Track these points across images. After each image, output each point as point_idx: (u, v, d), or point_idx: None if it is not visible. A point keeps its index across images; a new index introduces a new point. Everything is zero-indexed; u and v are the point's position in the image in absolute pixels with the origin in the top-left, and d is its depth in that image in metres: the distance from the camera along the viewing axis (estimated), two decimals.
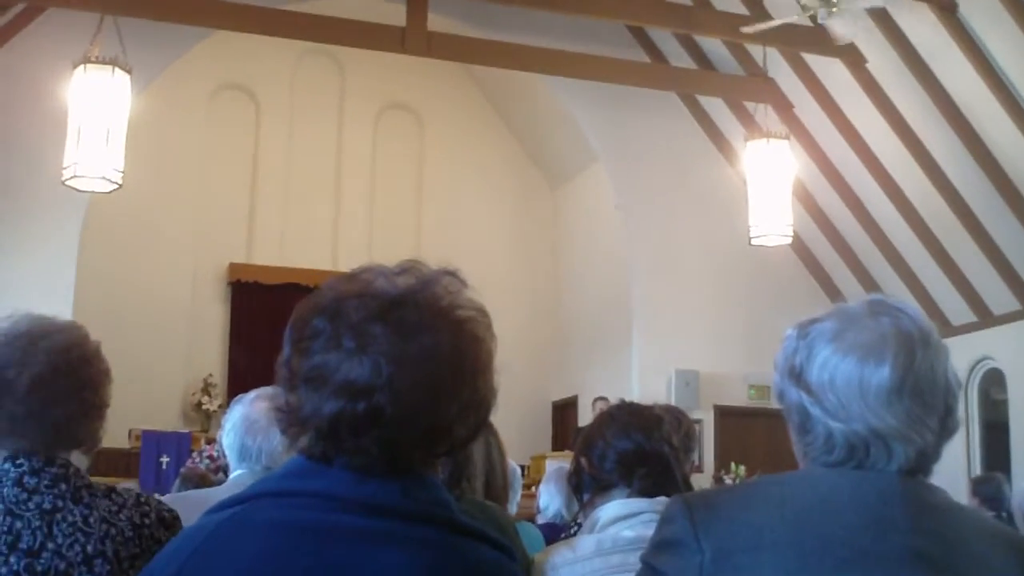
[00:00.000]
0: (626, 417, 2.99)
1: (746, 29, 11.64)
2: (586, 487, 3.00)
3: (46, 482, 2.22)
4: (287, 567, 1.48)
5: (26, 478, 2.21)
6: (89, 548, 2.18)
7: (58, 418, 2.29)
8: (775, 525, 1.72)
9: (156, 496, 2.45)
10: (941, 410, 1.78)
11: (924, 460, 1.78)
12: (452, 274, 1.65)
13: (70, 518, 2.20)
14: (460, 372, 1.58)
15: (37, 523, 2.17)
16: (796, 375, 1.82)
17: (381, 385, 1.52)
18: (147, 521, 2.29)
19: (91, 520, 2.21)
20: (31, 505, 2.19)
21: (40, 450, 2.25)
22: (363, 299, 1.57)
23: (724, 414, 15.07)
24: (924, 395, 1.75)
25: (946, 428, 1.80)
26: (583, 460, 3.00)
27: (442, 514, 1.58)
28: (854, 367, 1.75)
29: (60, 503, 2.21)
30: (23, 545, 2.15)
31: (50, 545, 2.16)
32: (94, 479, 2.34)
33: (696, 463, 10.37)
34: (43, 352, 2.32)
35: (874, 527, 1.71)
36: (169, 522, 2.34)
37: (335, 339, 1.55)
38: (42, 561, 2.14)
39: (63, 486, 2.23)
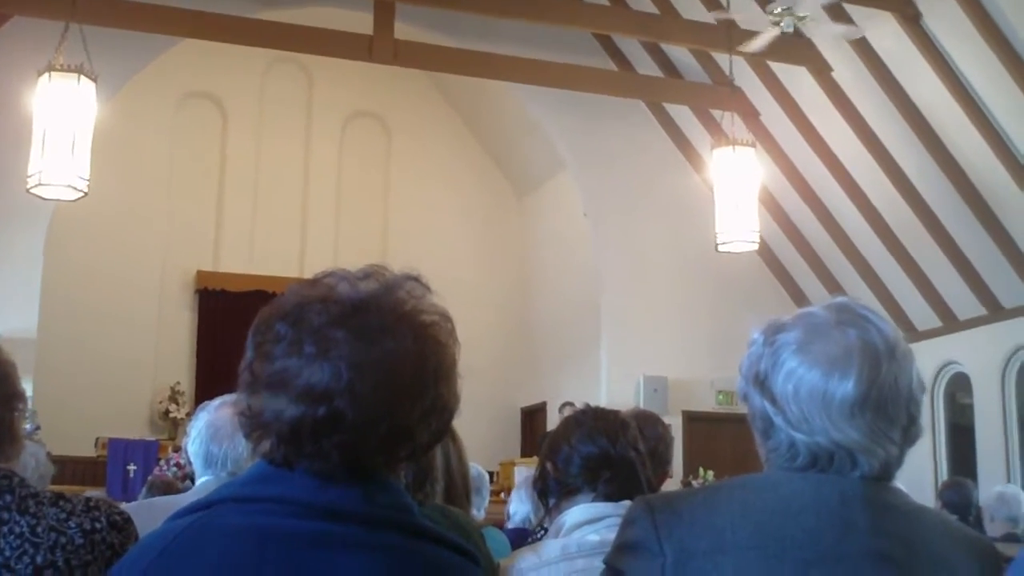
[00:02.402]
0: (591, 422, 2.98)
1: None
2: (552, 492, 2.99)
3: None
4: (249, 572, 1.48)
5: None
6: (39, 559, 2.12)
7: None
8: (737, 527, 1.73)
9: (110, 500, 2.39)
10: (904, 420, 1.79)
11: (887, 469, 1.79)
12: (415, 279, 1.64)
13: (17, 529, 2.13)
14: (422, 377, 1.58)
15: None
16: (760, 382, 1.82)
17: (341, 390, 1.51)
18: (98, 526, 2.23)
19: (39, 530, 2.15)
20: None
21: None
22: (325, 304, 1.57)
23: (692, 419, 15.10)
24: (887, 408, 1.76)
25: (908, 437, 1.81)
26: (548, 465, 3.00)
27: (404, 519, 1.58)
28: (819, 380, 1.76)
29: (5, 514, 2.14)
30: None
31: None
32: (60, 488, 2.29)
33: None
34: None
35: (835, 529, 1.72)
36: (120, 525, 2.27)
37: (296, 344, 1.54)
38: None
39: (7, 497, 2.16)
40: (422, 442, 1.63)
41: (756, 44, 11.36)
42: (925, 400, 1.86)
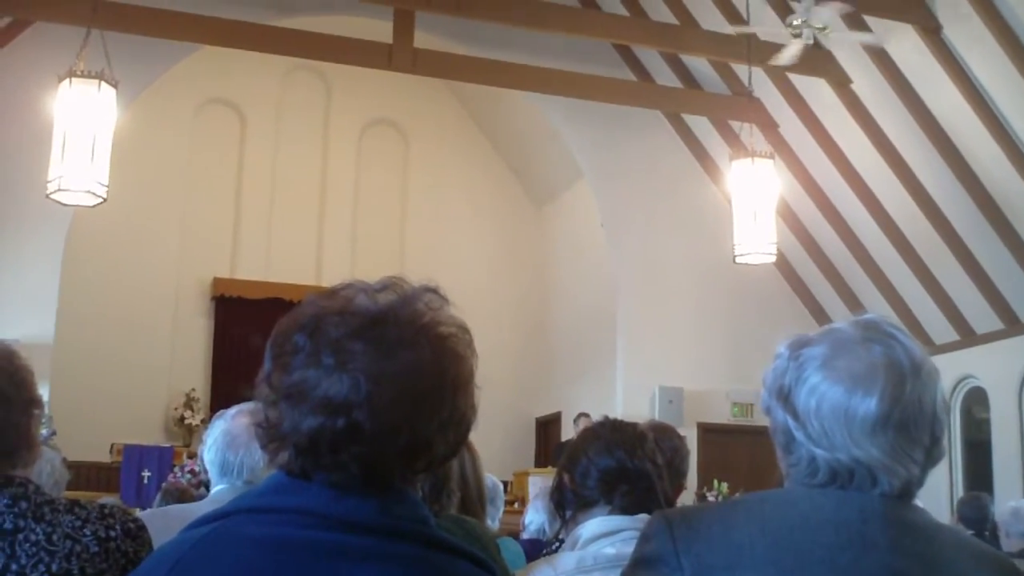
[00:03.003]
0: (609, 434, 2.98)
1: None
2: (568, 503, 2.99)
3: (5, 502, 2.16)
4: None
5: None
6: (54, 567, 2.13)
7: (3, 427, 2.22)
8: (755, 543, 1.72)
9: (124, 507, 2.39)
10: (927, 441, 1.77)
11: (908, 488, 1.78)
12: (433, 291, 1.64)
13: (33, 537, 2.14)
14: (440, 389, 1.58)
15: None
16: (783, 396, 1.81)
17: (360, 402, 1.51)
18: (112, 534, 2.23)
19: (55, 538, 2.15)
20: None
21: None
22: (343, 316, 1.57)
23: (707, 431, 15.06)
24: (910, 428, 1.75)
25: (931, 457, 1.79)
26: (566, 477, 2.99)
27: (421, 530, 1.58)
28: (842, 396, 1.75)
29: (21, 523, 2.14)
30: None
31: (13, 566, 2.10)
32: (75, 493, 2.29)
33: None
34: None
35: (854, 546, 1.71)
36: (135, 533, 2.28)
37: (315, 355, 1.54)
38: None
39: (23, 504, 2.17)
40: (440, 454, 1.62)
41: (783, 57, 11.34)
42: (945, 424, 1.84)
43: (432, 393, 1.57)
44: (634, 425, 3.07)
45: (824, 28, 10.87)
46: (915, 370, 1.77)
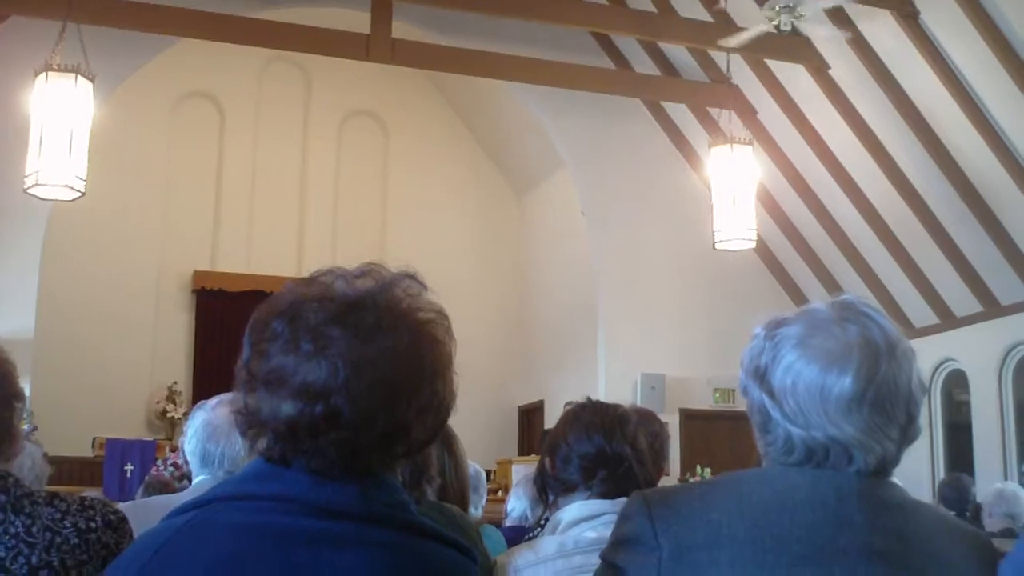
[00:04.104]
0: (589, 417, 2.97)
1: (723, 42, 11.69)
2: (551, 488, 2.99)
3: None
4: (246, 570, 1.48)
5: None
6: (34, 559, 2.12)
7: None
8: (733, 522, 1.73)
9: (105, 499, 2.38)
10: (903, 419, 1.79)
11: (884, 466, 1.79)
12: (412, 277, 1.65)
13: (12, 530, 2.13)
14: (419, 374, 1.58)
15: None
16: (760, 375, 1.83)
17: (338, 387, 1.51)
18: (93, 525, 2.23)
19: (34, 530, 2.15)
20: None
21: None
22: (322, 302, 1.57)
23: (689, 417, 15.09)
24: (885, 405, 1.76)
25: (907, 436, 1.81)
26: (547, 461, 3.00)
27: (401, 516, 1.58)
28: (817, 375, 1.76)
29: (0, 515, 2.14)
30: None
31: None
32: (57, 488, 2.28)
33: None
34: None
35: (831, 524, 1.72)
36: (116, 525, 2.28)
37: (293, 342, 1.54)
38: None
39: (2, 497, 2.16)
40: (419, 439, 1.63)
41: (741, 38, 11.34)
42: (921, 403, 1.86)
43: (410, 378, 1.57)
44: (616, 407, 3.06)
45: (801, 15, 10.86)
46: (890, 349, 1.79)
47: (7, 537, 2.13)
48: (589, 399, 3.10)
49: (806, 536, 1.71)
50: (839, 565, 1.70)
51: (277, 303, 1.60)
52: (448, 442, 3.39)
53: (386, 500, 1.58)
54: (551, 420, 15.24)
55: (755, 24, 11.29)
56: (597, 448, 2.90)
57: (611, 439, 2.90)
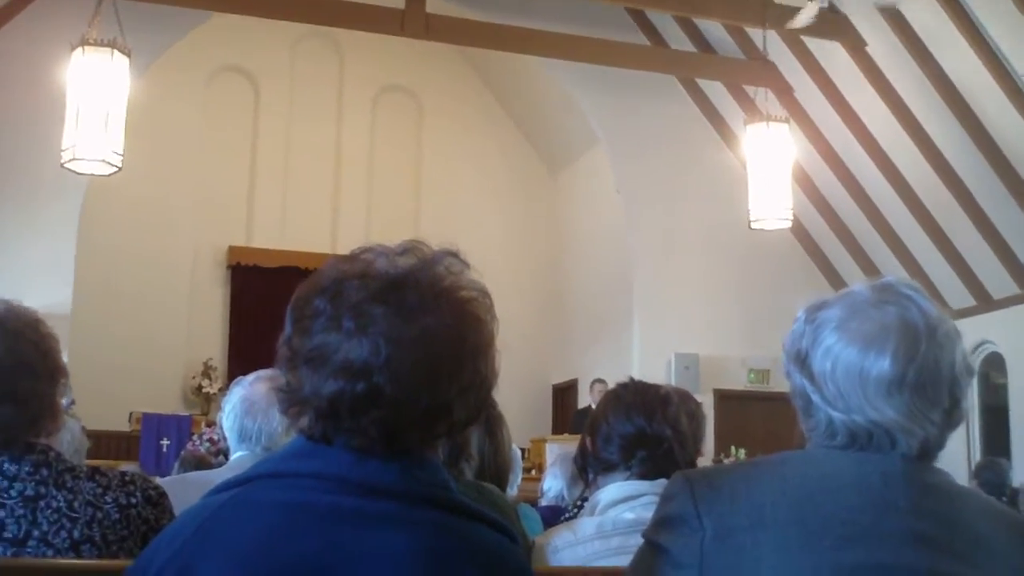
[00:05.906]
0: (630, 397, 2.97)
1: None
2: (591, 467, 2.99)
3: (27, 469, 2.16)
4: (288, 547, 1.47)
5: (6, 466, 2.16)
6: (76, 534, 2.14)
7: (28, 396, 2.21)
8: (777, 503, 1.72)
9: (145, 475, 2.39)
10: (946, 402, 1.77)
11: (928, 449, 1.78)
12: (454, 255, 1.64)
13: (54, 504, 2.14)
14: (460, 353, 1.57)
15: (21, 511, 2.12)
16: (801, 360, 1.82)
17: (380, 365, 1.51)
18: (133, 501, 2.24)
19: (76, 505, 2.16)
20: (13, 493, 2.13)
21: (19, 435, 2.18)
22: (364, 280, 1.56)
23: (723, 397, 15.06)
24: (926, 388, 1.74)
25: (951, 419, 1.79)
26: (588, 440, 2.99)
27: (442, 495, 1.58)
28: (855, 358, 1.75)
29: (43, 489, 2.15)
30: (8, 535, 2.10)
31: (35, 533, 2.11)
32: (95, 462, 2.28)
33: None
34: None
35: (875, 507, 1.71)
36: (156, 500, 2.28)
37: (335, 320, 1.54)
38: (28, 550, 2.10)
39: (44, 471, 2.17)
40: (460, 418, 1.62)
41: (799, 20, 11.27)
42: (966, 387, 1.83)
43: (452, 357, 1.57)
44: (658, 387, 3.05)
45: None
46: (930, 331, 1.77)
47: (49, 511, 2.14)
48: (632, 379, 3.08)
49: (850, 519, 1.70)
50: (883, 549, 1.68)
51: (319, 280, 1.60)
52: (491, 423, 3.37)
53: (428, 479, 1.58)
54: (585, 399, 15.28)
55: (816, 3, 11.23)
56: (637, 428, 2.89)
57: (652, 420, 2.90)
